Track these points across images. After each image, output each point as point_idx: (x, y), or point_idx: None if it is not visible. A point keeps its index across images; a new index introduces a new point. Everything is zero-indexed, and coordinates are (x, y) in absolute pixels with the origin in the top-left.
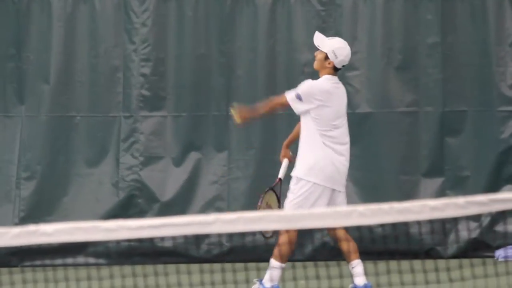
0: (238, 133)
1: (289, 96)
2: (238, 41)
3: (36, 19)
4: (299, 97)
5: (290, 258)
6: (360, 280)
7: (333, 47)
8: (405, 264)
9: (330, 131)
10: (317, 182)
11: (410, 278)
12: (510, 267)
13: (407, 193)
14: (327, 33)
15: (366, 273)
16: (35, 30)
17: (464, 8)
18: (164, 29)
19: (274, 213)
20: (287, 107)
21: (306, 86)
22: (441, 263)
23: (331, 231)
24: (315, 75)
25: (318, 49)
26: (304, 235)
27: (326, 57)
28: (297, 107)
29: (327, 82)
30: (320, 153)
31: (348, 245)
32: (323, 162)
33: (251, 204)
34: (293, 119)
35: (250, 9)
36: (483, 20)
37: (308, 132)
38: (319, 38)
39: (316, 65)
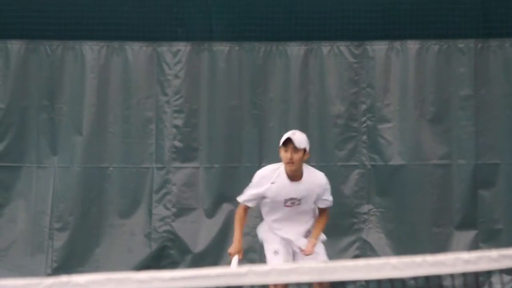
0: None
1: (331, 203)
2: (270, 93)
3: (70, 70)
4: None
5: None
6: None
7: (305, 139)
8: None
9: None
10: None
11: None
12: None
13: (440, 246)
14: (360, 85)
15: None
16: (68, 81)
17: (496, 60)
18: (196, 81)
19: (308, 265)
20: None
21: (329, 185)
22: None
23: (316, 286)
24: (346, 127)
25: (296, 151)
26: (336, 287)
27: (304, 152)
28: None
29: (319, 171)
30: None
31: None
32: None
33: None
34: (326, 170)
35: (283, 61)
36: None
37: (312, 210)
38: (297, 138)
39: (296, 165)
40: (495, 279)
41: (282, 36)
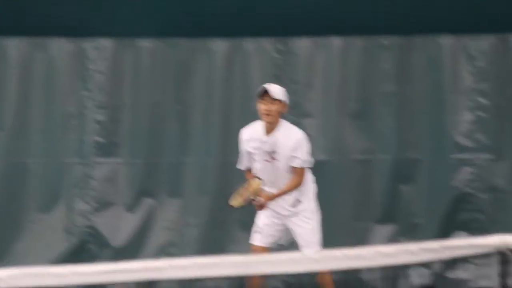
0: (192, 180)
1: (307, 164)
2: (194, 89)
3: None
4: (310, 160)
5: None
6: None
7: (282, 91)
8: None
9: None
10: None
11: None
12: None
13: (360, 240)
14: (283, 81)
15: None
16: None
17: (420, 57)
18: (120, 77)
19: (228, 258)
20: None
21: (306, 144)
22: None
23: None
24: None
25: (272, 103)
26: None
27: (281, 104)
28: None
29: (294, 126)
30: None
31: None
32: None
33: (203, 250)
34: None
35: (206, 57)
36: (438, 69)
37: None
38: (273, 89)
39: (273, 117)
40: (413, 272)
41: (206, 32)
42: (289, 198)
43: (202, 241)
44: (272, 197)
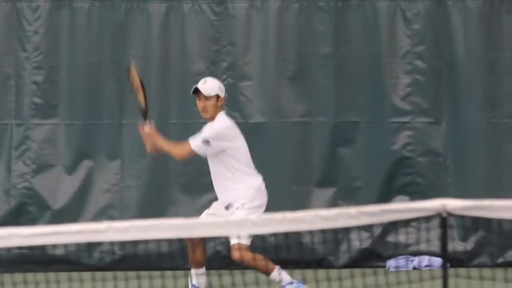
0: (131, 142)
1: (194, 144)
2: (131, 50)
3: None
4: (207, 142)
5: (182, 267)
6: None
7: (216, 85)
8: (297, 273)
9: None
10: (262, 203)
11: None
12: (401, 277)
13: (300, 203)
14: (220, 43)
15: (257, 283)
16: None
17: (357, 19)
18: (56, 37)
19: (168, 221)
20: (191, 155)
21: (213, 128)
22: (333, 272)
23: (235, 254)
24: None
25: (207, 99)
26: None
27: (217, 98)
28: (206, 150)
29: (227, 118)
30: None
31: (254, 262)
32: (262, 187)
33: (143, 212)
34: (187, 127)
35: (144, 18)
36: (375, 31)
37: (228, 168)
38: (206, 87)
39: (210, 113)
40: (353, 236)
41: None
42: (223, 201)
43: (142, 203)
44: (157, 142)
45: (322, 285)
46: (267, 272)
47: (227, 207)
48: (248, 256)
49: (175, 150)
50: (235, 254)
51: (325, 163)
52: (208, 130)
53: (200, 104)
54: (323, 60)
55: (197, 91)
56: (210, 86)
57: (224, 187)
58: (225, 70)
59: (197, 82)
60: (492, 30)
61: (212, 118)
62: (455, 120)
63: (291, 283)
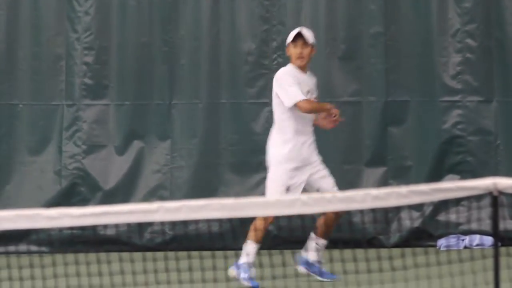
0: (181, 122)
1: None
2: (181, 30)
3: None
4: None
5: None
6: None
7: (313, 35)
8: (347, 253)
9: None
10: None
11: (352, 267)
12: (452, 256)
13: (350, 182)
14: (270, 23)
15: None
16: None
17: None
18: (107, 18)
19: (218, 201)
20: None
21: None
22: (384, 252)
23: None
24: (256, 65)
25: (305, 46)
26: (247, 223)
27: (312, 48)
28: None
29: None
30: None
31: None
32: None
33: (193, 193)
34: (236, 108)
35: None
36: (425, 10)
37: None
38: (308, 34)
39: (305, 60)
40: (404, 215)
41: None
42: (311, 132)
43: (192, 183)
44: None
45: (372, 264)
46: (249, 240)
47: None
48: (258, 222)
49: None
50: None
51: (376, 143)
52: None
53: (297, 50)
54: (373, 39)
55: (296, 37)
56: (309, 33)
57: (310, 126)
58: (275, 49)
59: (247, 62)
60: None
61: (304, 67)
62: (506, 99)
63: (249, 278)
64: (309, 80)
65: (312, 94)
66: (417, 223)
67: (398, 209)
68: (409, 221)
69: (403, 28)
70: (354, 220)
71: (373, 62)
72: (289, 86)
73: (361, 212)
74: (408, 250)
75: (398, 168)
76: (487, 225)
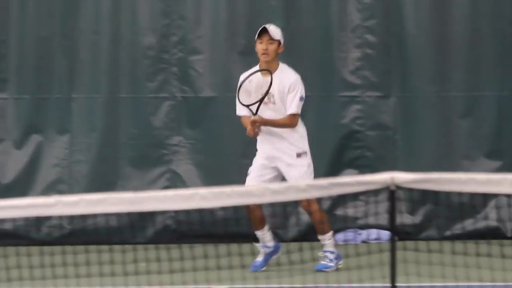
0: (80, 116)
1: (296, 109)
2: (81, 24)
3: None
4: (302, 99)
5: (131, 241)
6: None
7: (280, 32)
8: (245, 247)
9: None
10: None
11: (250, 261)
12: (349, 250)
13: None
14: (171, 17)
15: (206, 256)
16: None
17: None
18: (5, 11)
19: (117, 195)
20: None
21: (300, 83)
22: (282, 246)
23: (304, 203)
24: (157, 59)
25: (270, 43)
26: (145, 217)
27: (279, 45)
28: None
29: None
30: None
31: (321, 216)
32: None
33: (92, 187)
34: (136, 102)
35: None
36: (325, 5)
37: None
38: (273, 29)
39: (270, 56)
40: (302, 209)
41: None
42: (283, 144)
43: (91, 177)
44: (265, 121)
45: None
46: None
47: (299, 155)
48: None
49: (286, 123)
50: None
51: None
52: (299, 85)
53: (261, 46)
54: None
55: (261, 33)
56: (276, 29)
57: (279, 135)
58: (175, 44)
59: (147, 57)
60: (441, 4)
61: (271, 63)
62: (405, 94)
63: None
64: (268, 82)
65: (273, 100)
66: None
67: (296, 203)
68: (307, 216)
69: (303, 23)
70: None
71: None
72: (237, 97)
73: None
74: (306, 244)
75: None
76: (384, 219)
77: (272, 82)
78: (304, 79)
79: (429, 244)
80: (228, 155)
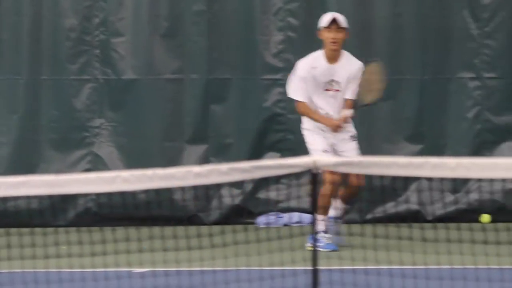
0: (1, 98)
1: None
2: (2, 4)
3: None
4: None
5: (52, 223)
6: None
7: (345, 20)
8: (168, 230)
9: None
10: None
11: (172, 244)
12: (271, 233)
13: (171, 160)
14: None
15: (128, 239)
16: None
17: None
18: None
19: (38, 178)
20: None
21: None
22: (204, 229)
23: (353, 178)
24: (78, 41)
25: (339, 31)
26: (67, 200)
27: (347, 33)
28: None
29: None
30: None
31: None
32: None
33: (13, 169)
34: (58, 84)
35: None
36: None
37: None
38: (342, 19)
39: (340, 45)
40: (224, 192)
41: None
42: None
43: (12, 160)
44: (346, 116)
45: (192, 242)
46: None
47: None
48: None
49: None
50: None
51: (197, 120)
52: (360, 74)
53: (330, 35)
54: (196, 17)
55: (330, 23)
56: (343, 18)
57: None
58: (97, 26)
59: (69, 38)
60: None
61: (336, 52)
62: None
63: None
64: (337, 69)
65: (339, 84)
66: (237, 201)
67: (218, 187)
68: (229, 199)
69: (226, 6)
70: (175, 198)
71: (195, 40)
72: (295, 79)
73: (182, 189)
74: (228, 228)
75: (219, 146)
76: (306, 202)
77: (339, 69)
78: (227, 62)
79: (350, 227)
80: (150, 138)
